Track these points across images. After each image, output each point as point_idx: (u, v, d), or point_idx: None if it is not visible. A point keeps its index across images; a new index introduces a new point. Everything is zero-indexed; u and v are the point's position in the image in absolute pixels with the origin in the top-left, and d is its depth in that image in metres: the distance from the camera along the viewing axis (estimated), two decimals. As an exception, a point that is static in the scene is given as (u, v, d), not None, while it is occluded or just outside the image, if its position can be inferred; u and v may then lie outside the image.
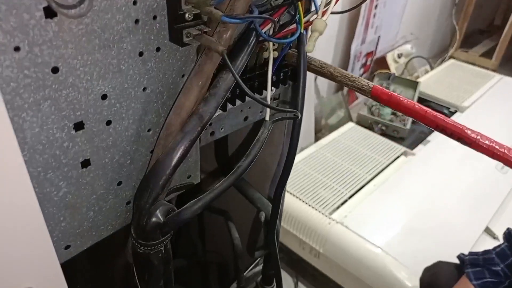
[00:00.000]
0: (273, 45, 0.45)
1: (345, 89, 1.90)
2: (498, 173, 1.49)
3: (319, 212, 1.27)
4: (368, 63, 2.00)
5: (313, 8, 0.46)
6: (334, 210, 1.28)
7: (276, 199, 0.53)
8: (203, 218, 0.78)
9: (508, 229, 0.82)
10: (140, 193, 0.39)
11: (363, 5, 1.67)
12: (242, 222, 0.70)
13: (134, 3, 0.34)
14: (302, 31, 0.46)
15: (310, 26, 0.35)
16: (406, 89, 1.89)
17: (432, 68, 2.17)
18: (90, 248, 0.42)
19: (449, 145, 1.61)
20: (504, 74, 2.08)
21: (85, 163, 0.37)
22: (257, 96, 0.54)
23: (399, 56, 2.05)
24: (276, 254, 0.61)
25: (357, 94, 2.06)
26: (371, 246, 1.15)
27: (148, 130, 0.41)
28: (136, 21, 0.35)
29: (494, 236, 1.31)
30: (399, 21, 2.04)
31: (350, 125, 1.68)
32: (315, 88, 1.72)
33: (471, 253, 0.83)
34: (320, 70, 0.50)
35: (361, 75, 2.00)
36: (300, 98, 0.45)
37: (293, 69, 0.57)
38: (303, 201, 1.30)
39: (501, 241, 1.32)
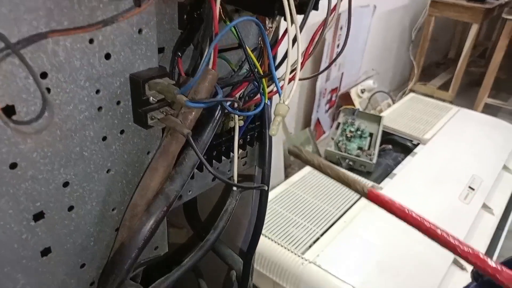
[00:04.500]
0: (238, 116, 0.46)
1: (313, 125, 1.94)
2: (461, 204, 1.55)
3: (292, 252, 1.26)
4: (333, 98, 2.05)
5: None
6: (307, 249, 1.29)
7: (247, 262, 0.52)
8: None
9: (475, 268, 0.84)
10: (104, 277, 0.37)
11: (325, 45, 1.73)
12: (213, 278, 0.68)
13: (97, 92, 0.34)
14: (266, 102, 0.47)
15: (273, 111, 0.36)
16: (371, 123, 1.95)
17: (393, 101, 2.25)
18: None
19: (414, 177, 1.66)
20: (460, 105, 2.19)
21: (45, 252, 0.35)
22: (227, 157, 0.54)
23: (362, 91, 2.12)
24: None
25: (324, 128, 2.11)
26: (343, 285, 1.15)
27: (113, 210, 0.40)
28: (99, 109, 0.35)
29: (462, 268, 1.35)
30: (360, 58, 2.12)
31: (319, 161, 1.71)
32: (283, 125, 1.75)
33: None
34: (319, 170, 0.53)
35: (327, 111, 2.06)
36: (267, 169, 0.45)
37: (259, 131, 0.58)
38: (275, 241, 1.29)
39: (469, 271, 1.36)
